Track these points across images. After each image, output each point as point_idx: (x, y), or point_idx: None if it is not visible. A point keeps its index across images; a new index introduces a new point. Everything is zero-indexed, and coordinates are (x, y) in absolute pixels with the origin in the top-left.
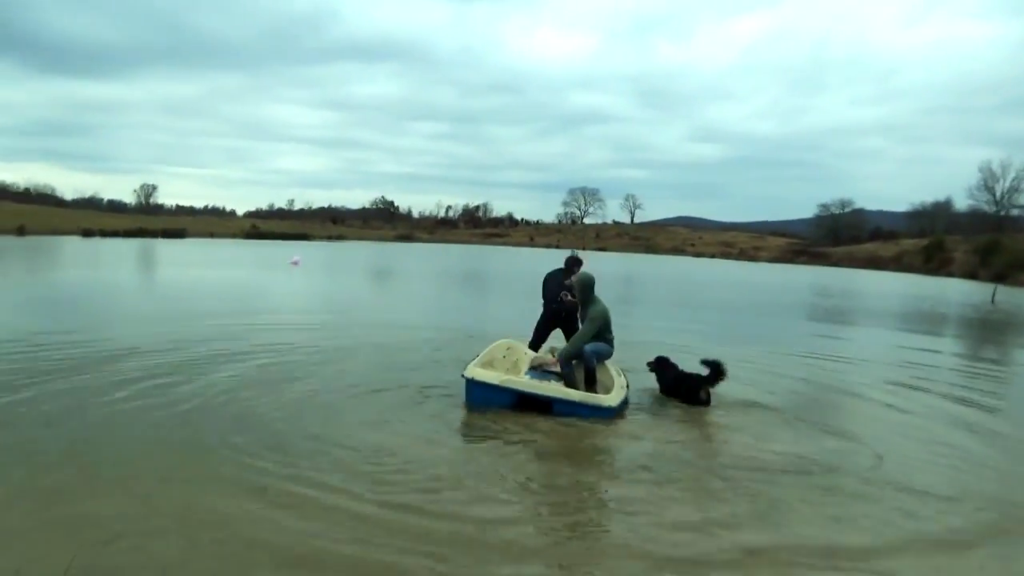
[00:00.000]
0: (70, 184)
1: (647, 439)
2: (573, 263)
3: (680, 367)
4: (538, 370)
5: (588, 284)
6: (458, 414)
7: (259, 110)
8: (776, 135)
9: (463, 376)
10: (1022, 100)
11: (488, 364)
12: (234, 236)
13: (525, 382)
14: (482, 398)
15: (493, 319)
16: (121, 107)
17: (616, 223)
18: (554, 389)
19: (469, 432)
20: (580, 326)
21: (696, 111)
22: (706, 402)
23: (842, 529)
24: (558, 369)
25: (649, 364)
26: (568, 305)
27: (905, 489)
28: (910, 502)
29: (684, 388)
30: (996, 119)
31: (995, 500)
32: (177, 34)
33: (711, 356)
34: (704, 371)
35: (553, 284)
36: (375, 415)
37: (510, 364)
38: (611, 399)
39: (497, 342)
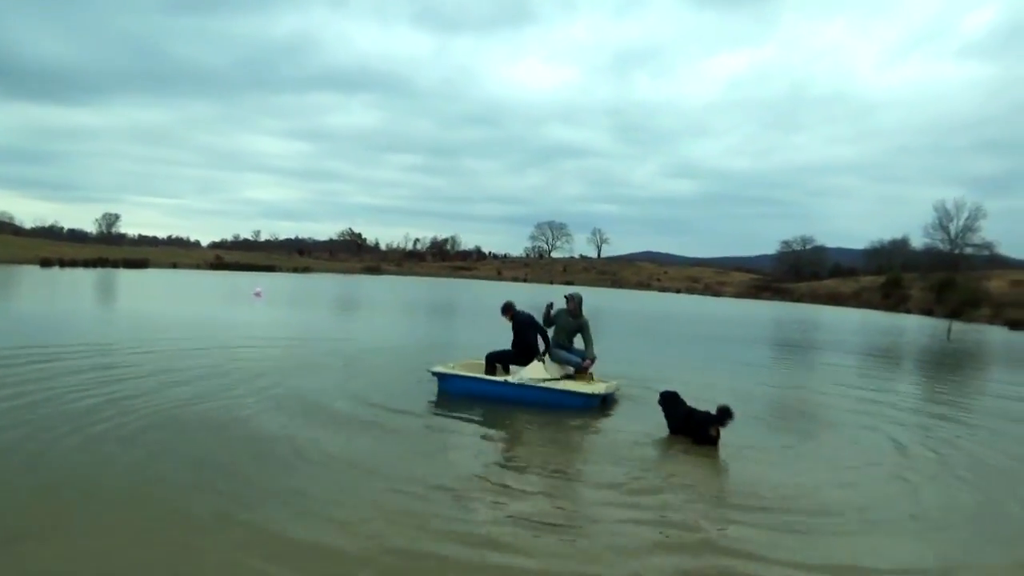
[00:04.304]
0: (29, 212)
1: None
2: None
3: (688, 404)
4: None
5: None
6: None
7: (231, 140)
8: (749, 172)
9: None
10: (995, 140)
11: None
12: (197, 267)
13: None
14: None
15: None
16: (87, 134)
17: (583, 257)
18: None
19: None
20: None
21: (672, 147)
22: (715, 440)
23: None
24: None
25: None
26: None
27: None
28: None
29: (694, 425)
30: (969, 159)
31: None
32: (151, 60)
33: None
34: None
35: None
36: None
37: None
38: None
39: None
